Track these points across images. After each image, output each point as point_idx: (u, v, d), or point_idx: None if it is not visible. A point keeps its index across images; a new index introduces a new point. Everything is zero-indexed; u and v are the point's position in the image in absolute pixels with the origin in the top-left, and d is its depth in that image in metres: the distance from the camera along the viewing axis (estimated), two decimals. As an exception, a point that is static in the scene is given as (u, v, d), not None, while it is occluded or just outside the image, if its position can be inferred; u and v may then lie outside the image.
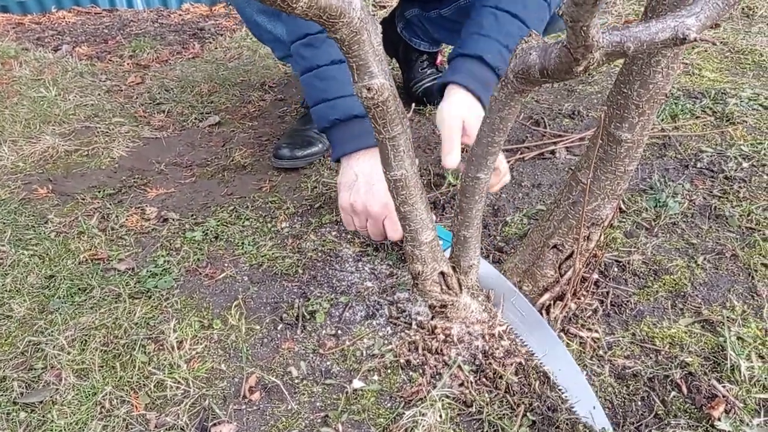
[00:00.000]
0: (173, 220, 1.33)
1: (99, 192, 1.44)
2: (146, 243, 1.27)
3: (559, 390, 0.88)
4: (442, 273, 0.91)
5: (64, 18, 2.40)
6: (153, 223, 1.33)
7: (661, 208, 1.27)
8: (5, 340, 1.03)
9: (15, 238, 1.28)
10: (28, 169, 1.54)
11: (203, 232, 1.28)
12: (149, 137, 1.70)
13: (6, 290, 1.14)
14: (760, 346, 0.94)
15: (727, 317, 0.99)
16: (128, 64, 2.07)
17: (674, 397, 0.87)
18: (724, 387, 0.88)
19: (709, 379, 0.90)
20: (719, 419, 0.83)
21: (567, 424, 0.83)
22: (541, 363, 0.92)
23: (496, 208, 1.33)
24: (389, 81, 0.75)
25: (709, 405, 0.86)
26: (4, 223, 1.33)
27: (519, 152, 1.51)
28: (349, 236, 1.24)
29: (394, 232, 1.07)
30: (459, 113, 1.12)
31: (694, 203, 1.29)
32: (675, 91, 1.71)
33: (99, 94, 1.89)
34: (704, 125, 1.57)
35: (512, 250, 1.15)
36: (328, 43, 1.12)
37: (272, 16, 1.32)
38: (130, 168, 1.56)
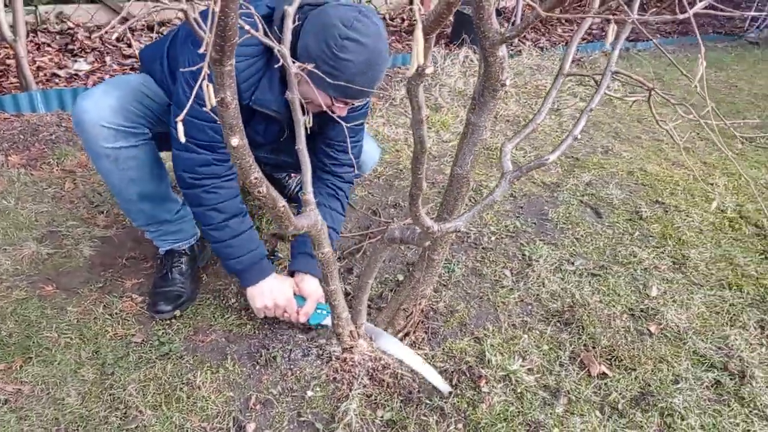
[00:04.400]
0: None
1: (92, 286, 2.09)
2: (144, 321, 1.98)
3: (419, 374, 1.81)
4: (350, 331, 1.79)
5: (-23, 124, 2.85)
6: (141, 307, 2.04)
7: (451, 272, 2.27)
8: (92, 396, 1.72)
9: (51, 326, 1.91)
10: (27, 271, 2.12)
11: (183, 311, 2.02)
12: (102, 236, 2.34)
13: (70, 365, 1.80)
14: (501, 349, 1.95)
15: (484, 334, 2.00)
16: (57, 170, 2.63)
17: (462, 378, 1.85)
18: (485, 371, 1.87)
19: (479, 367, 1.88)
20: (483, 387, 1.82)
21: (424, 394, 1.76)
22: (405, 364, 1.84)
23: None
24: (330, 247, 1.60)
25: (478, 380, 1.84)
26: (38, 315, 1.95)
27: (368, 236, 2.43)
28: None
29: (297, 316, 1.90)
30: (319, 290, 1.93)
31: (468, 267, 2.30)
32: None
33: (48, 201, 2.46)
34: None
35: (375, 306, 2.06)
36: (230, 226, 1.80)
37: (157, 201, 1.96)
38: (101, 264, 2.21)
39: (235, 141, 1.07)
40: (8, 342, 1.84)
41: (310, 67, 1.38)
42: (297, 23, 1.60)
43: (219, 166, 1.73)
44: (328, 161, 2.00)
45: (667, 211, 2.80)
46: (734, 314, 2.20)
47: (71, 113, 1.77)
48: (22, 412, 1.64)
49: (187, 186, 1.76)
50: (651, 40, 1.30)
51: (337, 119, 1.43)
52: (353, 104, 1.67)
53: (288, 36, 1.48)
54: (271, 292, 1.89)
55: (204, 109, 1.65)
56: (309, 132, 1.93)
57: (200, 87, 1.36)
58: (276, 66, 1.62)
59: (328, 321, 1.92)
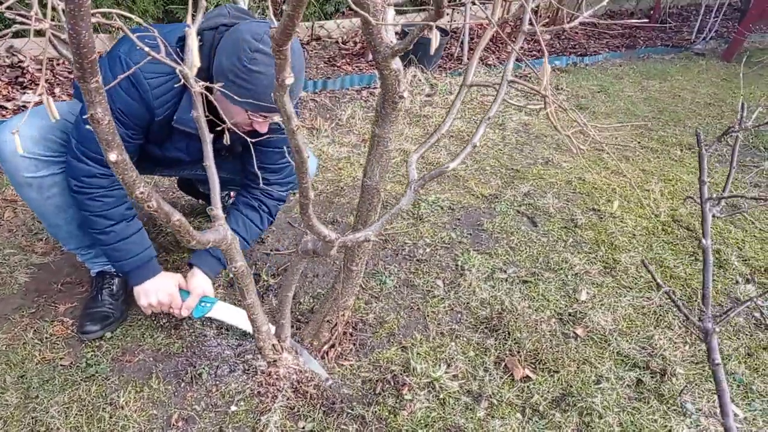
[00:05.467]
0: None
1: (24, 312, 2.10)
2: (74, 344, 1.99)
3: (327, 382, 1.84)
4: (273, 344, 1.82)
5: None
6: (73, 330, 2.05)
7: (383, 285, 2.30)
8: (14, 419, 1.72)
9: (-22, 354, 1.92)
10: (-43, 300, 2.14)
11: (111, 332, 2.04)
12: (39, 263, 2.35)
13: (-6, 389, 1.81)
14: (427, 357, 1.98)
15: (411, 343, 2.04)
16: (-2, 200, 2.66)
17: (386, 387, 1.87)
18: (409, 378, 1.90)
19: (403, 375, 1.91)
20: (406, 394, 1.85)
21: (346, 404, 1.79)
22: (325, 378, 1.87)
23: (294, 293, 2.25)
24: (243, 260, 1.63)
25: (402, 387, 1.87)
26: (-36, 345, 1.96)
27: (303, 253, 2.46)
28: (210, 323, 2.08)
29: (180, 311, 1.94)
30: (206, 285, 1.98)
31: (401, 278, 2.34)
32: (385, 196, 2.79)
33: (-15, 231, 2.48)
34: (407, 224, 2.67)
35: (305, 321, 2.09)
36: (115, 231, 1.83)
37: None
38: (35, 290, 2.22)
39: (113, 156, 1.10)
40: (-68, 370, 1.84)
41: (218, 85, 1.43)
42: (212, 42, 1.65)
43: (103, 179, 1.76)
44: (256, 180, 2.05)
45: (602, 218, 2.87)
46: (660, 315, 2.26)
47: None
48: (-59, 439, 1.65)
49: (73, 192, 1.79)
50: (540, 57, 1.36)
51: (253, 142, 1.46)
52: (272, 119, 1.71)
53: (190, 56, 1.53)
54: (155, 290, 1.93)
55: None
56: (233, 151, 1.98)
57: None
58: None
59: (214, 313, 1.98)
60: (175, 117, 1.74)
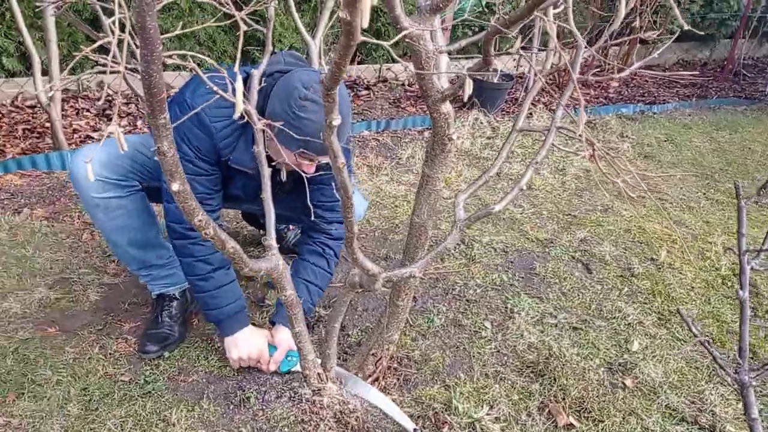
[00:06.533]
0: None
1: (92, 328, 2.24)
2: (134, 362, 2.11)
3: (388, 414, 1.88)
4: (318, 373, 1.88)
5: (11, 181, 3.10)
6: (134, 348, 2.17)
7: (430, 323, 2.34)
8: (74, 430, 1.83)
9: (49, 365, 2.06)
10: (34, 314, 2.30)
11: (169, 352, 2.15)
12: (109, 283, 2.51)
13: (59, 401, 1.93)
14: (470, 397, 2.00)
15: (455, 382, 2.05)
16: (78, 222, 2.85)
17: (427, 423, 1.90)
18: (450, 417, 1.92)
19: (445, 414, 1.93)
20: None
21: (379, 440, 1.82)
22: (373, 408, 1.90)
23: (343, 325, 2.32)
24: (293, 290, 1.71)
25: (442, 426, 1.89)
26: (37, 355, 2.10)
27: (355, 287, 2.53)
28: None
29: (268, 366, 2.02)
30: (291, 340, 2.01)
31: (449, 318, 2.37)
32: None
33: (64, 251, 2.66)
34: (459, 264, 2.71)
35: (353, 353, 2.15)
36: (214, 277, 1.95)
37: (146, 247, 2.11)
38: (104, 308, 2.37)
39: (175, 186, 1.21)
40: (5, 378, 1.98)
41: (275, 124, 1.53)
42: (267, 87, 1.76)
43: None
44: (315, 220, 2.14)
45: (660, 269, 2.83)
46: (713, 370, 2.20)
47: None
48: (9, 442, 1.77)
49: (177, 237, 1.91)
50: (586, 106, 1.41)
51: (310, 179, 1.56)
52: (319, 161, 1.80)
53: (253, 95, 1.66)
54: (246, 344, 2.01)
55: (192, 165, 1.81)
56: (284, 188, 2.09)
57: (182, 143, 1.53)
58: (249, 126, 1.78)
59: (299, 367, 2.01)
60: (231, 157, 1.85)
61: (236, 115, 1.05)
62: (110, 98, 4.48)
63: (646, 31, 1.76)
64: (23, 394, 1.93)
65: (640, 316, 2.47)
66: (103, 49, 1.10)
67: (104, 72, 4.48)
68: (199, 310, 2.23)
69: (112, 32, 1.12)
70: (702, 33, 3.01)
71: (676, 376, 2.16)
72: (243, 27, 1.13)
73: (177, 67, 3.84)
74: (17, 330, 2.19)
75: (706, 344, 1.13)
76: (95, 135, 3.95)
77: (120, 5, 1.03)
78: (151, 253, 2.13)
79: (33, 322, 2.25)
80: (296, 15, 3.62)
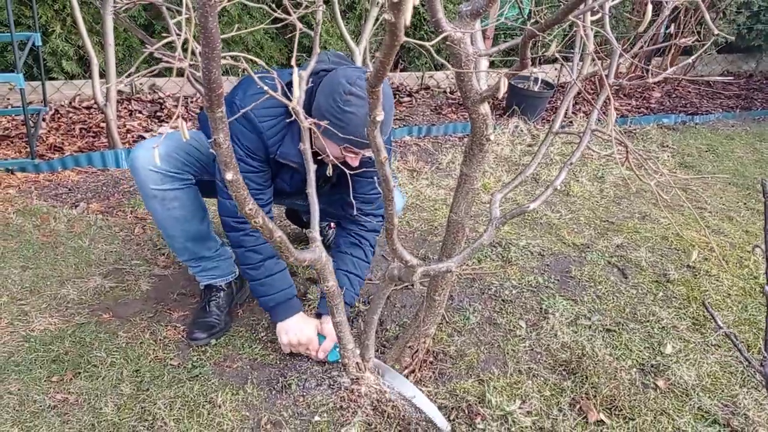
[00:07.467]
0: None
1: (143, 316, 2.37)
2: (183, 348, 2.22)
3: (419, 408, 1.95)
4: (356, 362, 1.96)
5: (69, 177, 3.27)
6: (183, 335, 2.29)
7: (466, 320, 2.40)
8: (126, 407, 1.96)
9: (104, 348, 2.19)
10: (89, 301, 2.44)
11: (216, 340, 2.26)
12: (160, 274, 2.64)
13: (112, 380, 2.06)
14: (503, 391, 2.06)
15: (489, 377, 2.11)
16: (130, 217, 3.00)
17: (460, 414, 1.96)
18: (483, 409, 1.98)
19: (478, 406, 1.99)
20: (479, 424, 1.93)
21: (420, 426, 1.90)
22: (407, 398, 1.98)
23: (381, 320, 2.40)
24: (335, 281, 1.79)
25: (475, 417, 1.95)
26: (92, 338, 2.23)
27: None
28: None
29: (317, 353, 2.11)
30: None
31: (484, 316, 2.43)
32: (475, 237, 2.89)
33: (118, 243, 2.80)
34: (495, 266, 2.77)
35: (390, 346, 2.22)
36: (265, 266, 2.06)
37: (197, 239, 2.22)
38: (155, 298, 2.49)
39: (229, 176, 1.31)
40: (63, 359, 2.11)
41: (320, 122, 1.63)
42: (313, 86, 1.86)
43: None
44: (351, 212, 2.23)
45: (696, 275, 2.84)
46: (747, 375, 2.21)
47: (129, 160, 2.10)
48: (66, 417, 1.89)
49: (230, 229, 2.03)
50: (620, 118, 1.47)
51: (349, 173, 1.65)
52: (363, 154, 1.89)
53: (298, 94, 1.75)
54: (296, 330, 2.11)
55: (243, 163, 1.92)
56: (329, 183, 2.18)
57: (233, 143, 1.64)
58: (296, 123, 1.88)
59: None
60: (278, 152, 1.96)
61: (293, 105, 1.14)
62: (161, 100, 4.67)
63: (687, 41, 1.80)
64: (80, 373, 2.06)
65: (674, 321, 2.49)
66: (153, 57, 1.21)
67: (158, 74, 4.67)
68: (253, 297, 2.33)
69: (177, 33, 1.22)
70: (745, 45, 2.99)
71: (710, 379, 2.18)
72: (299, 26, 1.22)
73: (225, 72, 3.99)
74: (74, 315, 2.33)
75: (732, 337, 1.17)
76: (146, 135, 4.13)
77: (187, 7, 1.13)
78: (202, 245, 2.24)
79: (89, 308, 2.39)
80: (341, 22, 3.74)
